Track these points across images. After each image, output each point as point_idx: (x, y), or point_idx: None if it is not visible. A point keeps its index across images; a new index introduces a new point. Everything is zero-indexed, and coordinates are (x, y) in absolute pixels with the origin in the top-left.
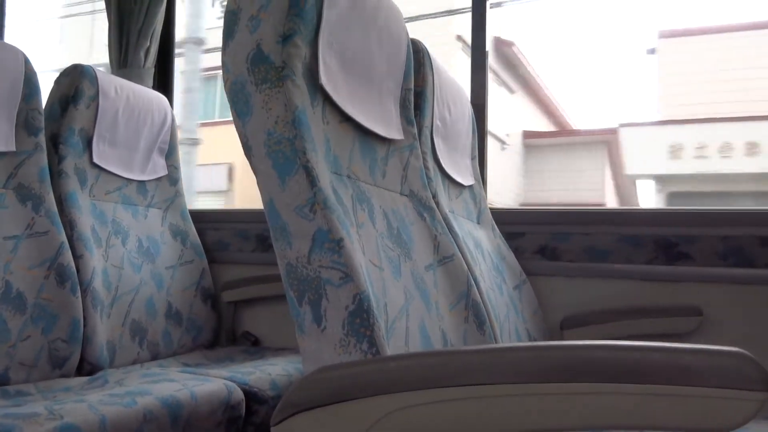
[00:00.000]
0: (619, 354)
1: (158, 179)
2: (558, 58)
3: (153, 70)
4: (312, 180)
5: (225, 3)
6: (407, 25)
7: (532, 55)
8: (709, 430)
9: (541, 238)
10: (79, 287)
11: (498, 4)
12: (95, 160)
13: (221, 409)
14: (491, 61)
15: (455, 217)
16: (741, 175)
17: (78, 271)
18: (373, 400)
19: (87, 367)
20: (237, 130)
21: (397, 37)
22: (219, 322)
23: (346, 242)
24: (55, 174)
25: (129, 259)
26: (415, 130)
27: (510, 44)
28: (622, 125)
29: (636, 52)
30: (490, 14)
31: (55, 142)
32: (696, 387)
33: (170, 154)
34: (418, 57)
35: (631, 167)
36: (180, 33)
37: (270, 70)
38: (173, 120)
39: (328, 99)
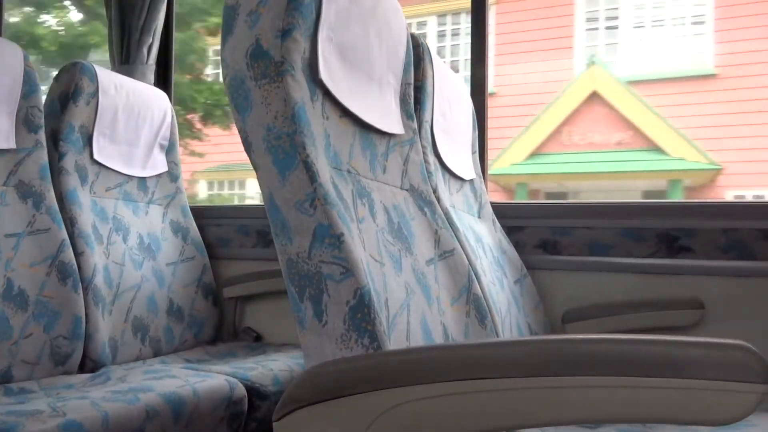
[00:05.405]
0: (620, 347)
1: (158, 176)
2: None
3: (155, 66)
4: (312, 175)
5: None
6: None
7: None
8: (710, 423)
9: (542, 232)
10: (80, 284)
11: None
12: (95, 156)
13: (223, 405)
14: None
15: (456, 211)
16: None
17: (79, 268)
18: (375, 395)
19: (89, 364)
20: (237, 125)
21: (397, 31)
22: (220, 318)
23: (347, 237)
24: (56, 171)
25: (130, 255)
26: (415, 125)
27: None
28: None
29: None
30: None
31: (55, 139)
32: (698, 380)
33: (170, 151)
34: (418, 51)
35: None
36: None
37: (269, 65)
38: (173, 116)
39: (327, 94)
